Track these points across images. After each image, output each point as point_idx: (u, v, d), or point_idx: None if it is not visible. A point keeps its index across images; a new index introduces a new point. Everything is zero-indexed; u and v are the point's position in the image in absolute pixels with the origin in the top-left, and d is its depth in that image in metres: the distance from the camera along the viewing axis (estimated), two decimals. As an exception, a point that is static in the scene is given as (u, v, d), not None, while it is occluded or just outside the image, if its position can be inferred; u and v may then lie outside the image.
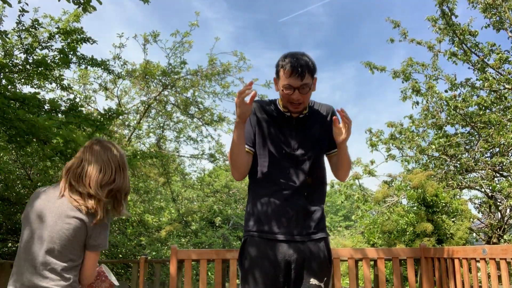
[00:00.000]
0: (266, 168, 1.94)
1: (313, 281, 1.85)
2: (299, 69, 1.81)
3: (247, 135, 1.97)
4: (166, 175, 11.38)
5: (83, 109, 6.06)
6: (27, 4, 5.09)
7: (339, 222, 29.29)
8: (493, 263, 3.13)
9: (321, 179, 2.00)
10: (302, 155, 1.93)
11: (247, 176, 2.03)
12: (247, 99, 1.82)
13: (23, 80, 6.05)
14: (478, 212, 8.87)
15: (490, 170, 7.70)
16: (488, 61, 7.75)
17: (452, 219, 6.19)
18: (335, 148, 2.00)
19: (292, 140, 1.95)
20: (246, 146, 1.95)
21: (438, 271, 3.78)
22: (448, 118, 8.31)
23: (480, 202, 8.64)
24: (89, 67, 6.14)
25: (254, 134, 1.97)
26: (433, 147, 8.11)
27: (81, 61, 5.81)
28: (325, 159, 2.08)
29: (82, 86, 10.09)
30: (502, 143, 7.22)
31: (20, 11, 5.18)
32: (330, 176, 10.68)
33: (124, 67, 9.46)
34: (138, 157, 7.38)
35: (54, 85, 6.73)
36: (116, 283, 1.91)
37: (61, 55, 5.55)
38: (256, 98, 1.90)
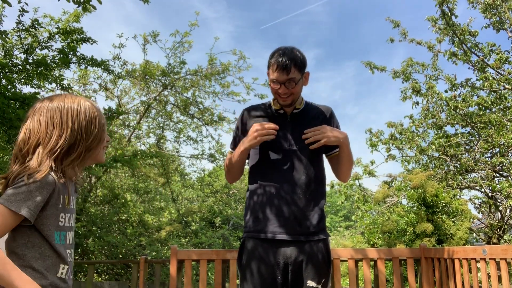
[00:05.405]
0: (264, 167, 1.93)
1: (310, 283, 1.81)
2: (284, 64, 1.82)
3: (238, 142, 2.01)
4: (166, 175, 11.38)
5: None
6: (27, 4, 5.09)
7: (339, 222, 29.29)
8: (493, 263, 3.13)
9: (320, 177, 1.96)
10: (299, 150, 1.90)
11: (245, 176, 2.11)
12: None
13: (23, 80, 6.05)
14: (478, 212, 8.87)
15: (490, 170, 7.69)
16: (488, 61, 7.74)
17: (452, 219, 6.18)
18: (335, 149, 2.00)
19: (288, 135, 1.93)
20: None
21: (438, 272, 3.78)
22: (448, 118, 8.30)
23: (480, 202, 8.63)
24: (89, 67, 6.15)
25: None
26: (433, 147, 8.10)
27: (81, 61, 5.82)
28: (325, 163, 2.06)
29: (82, 86, 10.08)
30: (502, 143, 7.21)
31: (20, 11, 5.18)
32: (330, 177, 10.68)
33: (124, 67, 9.47)
34: (138, 157, 7.39)
35: (54, 85, 6.72)
36: None
37: (61, 55, 5.56)
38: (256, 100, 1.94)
